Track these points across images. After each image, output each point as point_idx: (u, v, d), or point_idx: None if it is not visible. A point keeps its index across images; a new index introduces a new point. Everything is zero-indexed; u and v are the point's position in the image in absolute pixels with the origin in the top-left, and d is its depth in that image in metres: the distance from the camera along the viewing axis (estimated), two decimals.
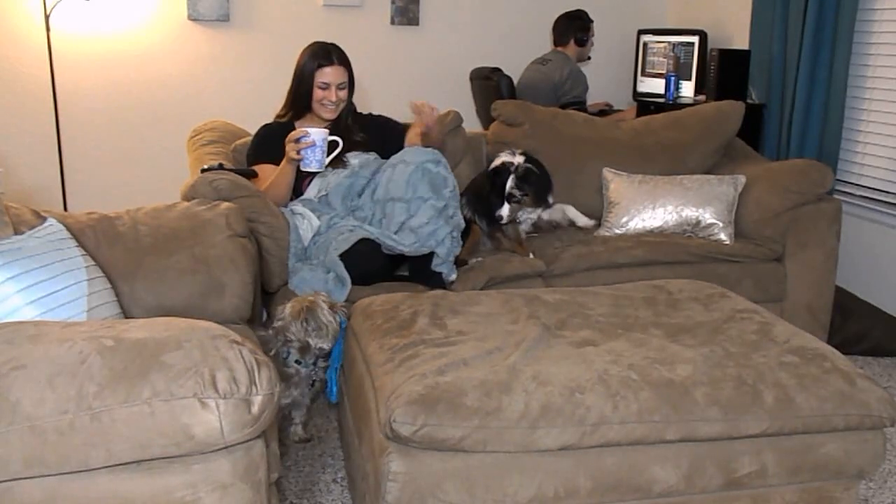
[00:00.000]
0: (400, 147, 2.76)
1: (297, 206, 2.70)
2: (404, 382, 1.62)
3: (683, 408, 1.64)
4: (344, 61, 2.76)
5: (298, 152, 2.56)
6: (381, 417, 1.61)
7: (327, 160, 2.63)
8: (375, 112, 3.01)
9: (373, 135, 2.87)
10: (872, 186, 3.51)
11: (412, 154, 2.60)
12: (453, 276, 2.61)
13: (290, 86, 2.81)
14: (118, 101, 4.30)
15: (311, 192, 2.75)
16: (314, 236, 2.63)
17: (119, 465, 1.28)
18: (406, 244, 2.51)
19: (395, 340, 1.83)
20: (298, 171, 2.65)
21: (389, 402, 1.58)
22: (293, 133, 2.59)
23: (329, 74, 2.72)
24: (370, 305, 2.09)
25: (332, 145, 2.64)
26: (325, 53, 2.73)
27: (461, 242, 2.69)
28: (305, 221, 2.65)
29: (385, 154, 2.78)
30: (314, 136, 2.56)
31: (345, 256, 2.52)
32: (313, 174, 2.72)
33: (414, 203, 2.54)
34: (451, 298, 2.12)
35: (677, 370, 1.73)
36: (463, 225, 2.68)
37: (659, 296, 2.21)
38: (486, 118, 4.16)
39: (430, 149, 2.64)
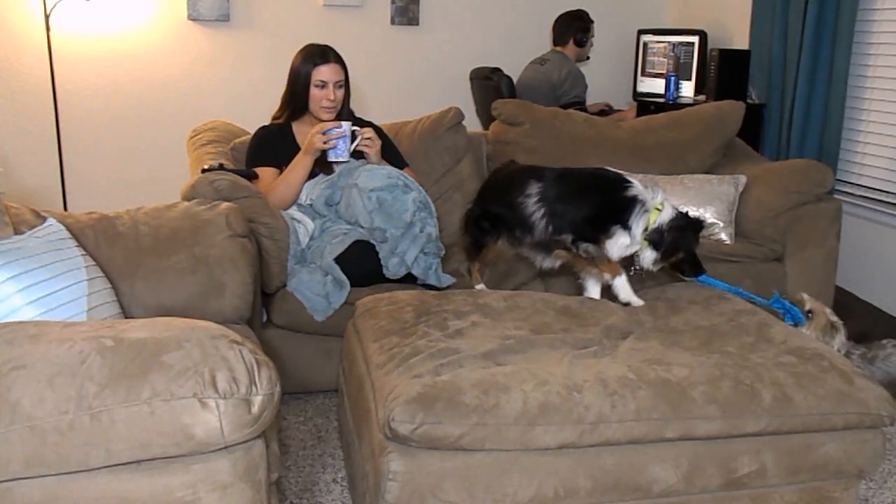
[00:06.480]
0: (387, 154, 2.79)
1: (294, 212, 2.70)
2: (403, 383, 1.62)
3: (682, 406, 1.65)
4: (339, 60, 2.77)
5: (327, 142, 2.62)
6: (380, 417, 1.61)
7: (351, 148, 2.68)
8: (374, 113, 3.00)
9: None
10: (872, 186, 3.51)
11: (366, 178, 2.59)
12: (446, 283, 2.60)
13: (286, 88, 2.82)
14: (118, 101, 4.30)
15: (300, 198, 2.74)
16: (310, 240, 2.64)
17: (119, 465, 1.28)
18: (388, 268, 2.54)
19: (395, 340, 1.83)
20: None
21: (388, 402, 1.58)
22: (320, 125, 2.65)
23: (325, 72, 2.73)
24: (376, 305, 2.09)
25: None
26: (320, 53, 2.75)
27: (441, 248, 2.63)
28: (302, 226, 2.66)
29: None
30: (345, 126, 2.64)
31: (340, 259, 2.52)
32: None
33: (376, 233, 2.55)
34: (455, 299, 2.12)
35: (674, 371, 1.73)
36: (436, 233, 2.61)
37: (658, 301, 2.22)
38: (487, 118, 4.16)
39: (386, 170, 2.62)
